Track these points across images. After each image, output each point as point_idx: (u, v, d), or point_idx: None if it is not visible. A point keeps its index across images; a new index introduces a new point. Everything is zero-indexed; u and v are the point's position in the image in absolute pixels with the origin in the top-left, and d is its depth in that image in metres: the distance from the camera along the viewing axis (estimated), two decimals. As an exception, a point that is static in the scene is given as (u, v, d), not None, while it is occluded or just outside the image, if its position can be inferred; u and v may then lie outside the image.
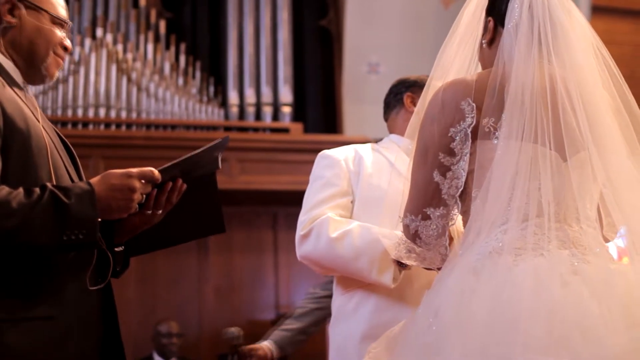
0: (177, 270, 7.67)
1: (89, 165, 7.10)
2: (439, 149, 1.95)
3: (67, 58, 2.35)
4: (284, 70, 8.16)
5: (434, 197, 1.97)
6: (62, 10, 2.17)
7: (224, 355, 6.87)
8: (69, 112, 7.54)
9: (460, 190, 1.95)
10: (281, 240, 7.94)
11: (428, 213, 1.97)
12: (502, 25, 2.00)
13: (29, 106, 2.03)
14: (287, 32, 8.27)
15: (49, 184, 1.89)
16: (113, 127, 7.59)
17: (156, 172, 2.01)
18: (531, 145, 1.86)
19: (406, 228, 2.02)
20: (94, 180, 1.95)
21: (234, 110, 8.02)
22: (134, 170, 1.98)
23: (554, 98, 1.90)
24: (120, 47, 7.79)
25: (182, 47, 8.06)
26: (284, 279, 7.81)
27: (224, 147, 2.12)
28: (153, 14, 8.11)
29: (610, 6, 7.33)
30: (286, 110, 8.07)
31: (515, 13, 1.97)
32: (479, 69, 2.11)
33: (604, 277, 1.78)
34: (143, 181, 1.98)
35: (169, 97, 7.80)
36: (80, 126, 7.50)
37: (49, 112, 7.38)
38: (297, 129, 7.95)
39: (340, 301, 2.64)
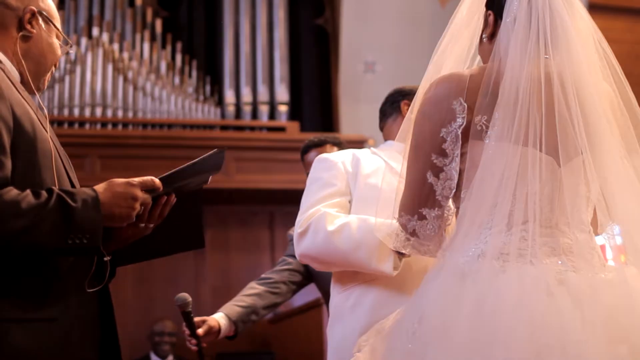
0: (174, 270, 7.66)
1: (85, 165, 7.09)
2: (431, 149, 1.93)
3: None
4: (280, 69, 8.15)
5: (428, 198, 1.95)
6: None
7: (222, 355, 6.88)
8: (65, 112, 7.53)
9: (453, 191, 1.93)
10: (278, 239, 7.93)
11: (424, 213, 1.96)
12: (502, 18, 1.97)
13: (35, 112, 2.05)
14: (284, 31, 8.27)
15: (55, 188, 1.90)
16: (109, 127, 7.58)
17: (157, 180, 2.04)
18: (521, 148, 1.83)
19: (404, 227, 2.01)
20: (98, 187, 1.96)
21: (231, 109, 8.01)
22: (136, 179, 2.00)
23: (549, 98, 1.87)
24: (116, 46, 7.78)
25: (179, 46, 8.05)
26: (281, 278, 7.79)
27: (220, 160, 2.16)
28: (149, 13, 8.10)
29: (607, 4, 7.33)
30: (282, 109, 8.07)
31: (513, 6, 1.93)
32: (475, 64, 2.09)
33: (591, 288, 1.76)
34: (144, 191, 2.00)
35: (165, 96, 7.79)
36: (76, 125, 7.49)
37: (45, 111, 7.36)
38: (293, 127, 7.95)
39: (338, 300, 2.63)
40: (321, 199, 2.59)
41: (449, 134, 1.91)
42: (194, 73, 8.05)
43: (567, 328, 1.68)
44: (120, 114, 7.64)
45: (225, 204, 7.82)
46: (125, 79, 7.73)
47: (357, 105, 8.18)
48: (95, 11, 7.91)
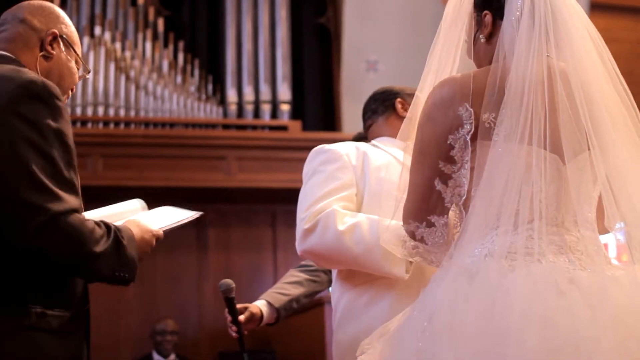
0: (176, 269, 7.66)
1: (87, 164, 7.09)
2: (438, 156, 1.92)
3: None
4: (283, 68, 8.15)
5: (437, 205, 1.94)
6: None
7: (224, 354, 6.88)
8: (68, 111, 7.53)
9: (463, 198, 1.92)
10: (280, 238, 7.93)
11: (432, 221, 1.94)
12: (501, 18, 1.97)
13: None
14: (286, 29, 8.26)
15: (109, 222, 2.07)
16: (112, 126, 7.58)
17: (162, 234, 2.27)
18: (526, 147, 1.84)
19: (411, 234, 1.99)
20: (131, 227, 2.14)
21: (233, 108, 8.01)
22: (156, 231, 2.22)
23: (553, 96, 1.87)
24: (118, 45, 7.78)
25: (181, 45, 8.05)
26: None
27: (197, 218, 2.43)
28: (151, 12, 8.10)
29: (609, 3, 7.32)
30: (285, 108, 8.06)
31: (516, 5, 1.94)
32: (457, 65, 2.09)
33: (600, 287, 1.76)
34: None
35: (167, 95, 7.79)
36: (78, 124, 7.49)
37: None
38: (295, 126, 7.94)
39: (350, 296, 2.56)
40: (327, 194, 2.53)
41: (457, 140, 1.90)
42: (196, 72, 8.05)
43: (579, 325, 1.68)
44: (122, 112, 7.63)
45: (227, 202, 7.82)
46: (128, 78, 7.73)
47: (359, 104, 8.01)
48: (98, 10, 7.91)
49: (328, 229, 2.45)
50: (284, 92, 8.08)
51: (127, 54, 7.79)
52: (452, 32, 2.08)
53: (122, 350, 7.38)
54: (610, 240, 2.05)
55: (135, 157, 7.35)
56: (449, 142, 1.91)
